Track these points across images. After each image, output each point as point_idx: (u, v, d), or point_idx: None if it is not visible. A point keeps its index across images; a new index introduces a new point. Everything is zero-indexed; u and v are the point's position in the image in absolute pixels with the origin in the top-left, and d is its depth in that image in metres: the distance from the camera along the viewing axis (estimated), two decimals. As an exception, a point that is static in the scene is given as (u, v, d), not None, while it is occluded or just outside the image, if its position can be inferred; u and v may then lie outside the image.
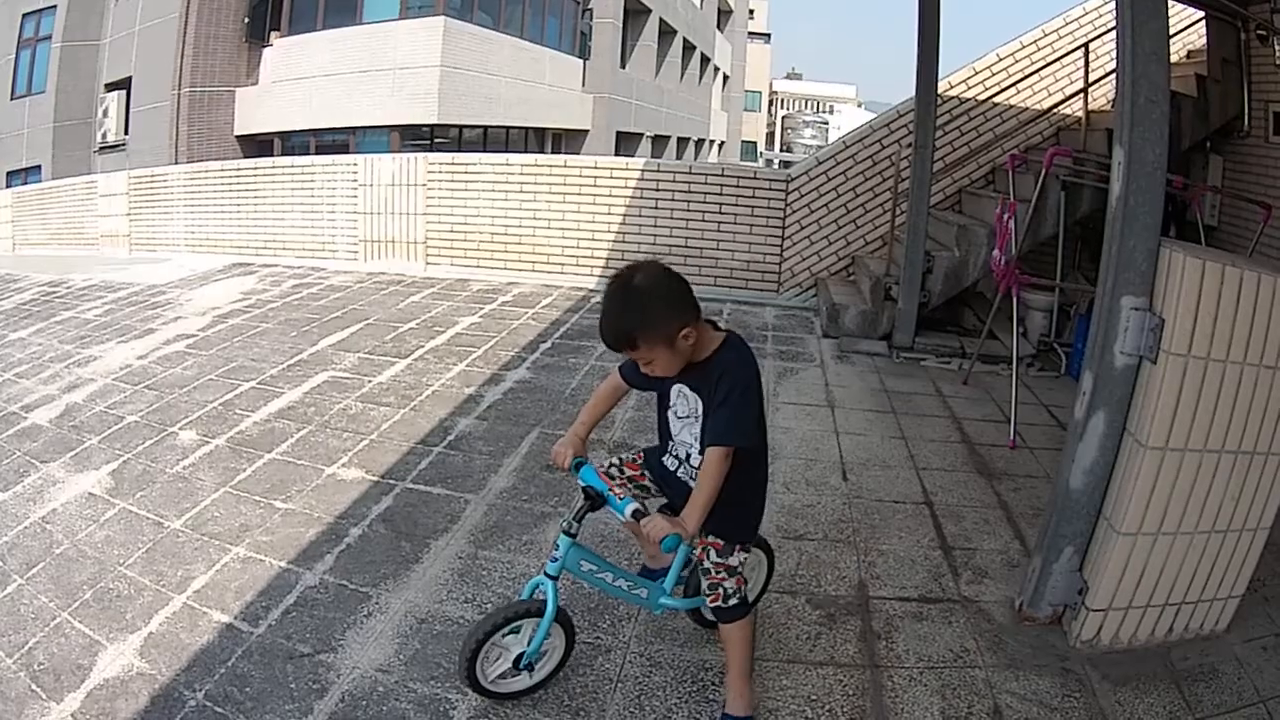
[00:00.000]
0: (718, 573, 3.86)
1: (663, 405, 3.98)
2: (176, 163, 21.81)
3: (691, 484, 3.80)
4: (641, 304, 3.50)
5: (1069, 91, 11.66)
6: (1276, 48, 10.37)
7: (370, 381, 8.47)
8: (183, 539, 5.52)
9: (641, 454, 4.26)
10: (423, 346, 9.70)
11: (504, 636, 3.92)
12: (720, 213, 12.70)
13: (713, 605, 3.90)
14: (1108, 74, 10.88)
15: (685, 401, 3.81)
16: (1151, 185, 4.23)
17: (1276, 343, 4.15)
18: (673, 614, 4.55)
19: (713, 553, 3.87)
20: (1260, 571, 4.73)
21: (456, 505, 6.00)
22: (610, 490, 3.77)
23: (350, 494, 6.15)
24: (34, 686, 4.13)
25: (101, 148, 29.61)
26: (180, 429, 7.25)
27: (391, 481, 6.35)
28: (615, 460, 4.26)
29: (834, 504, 6.21)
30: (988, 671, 4.38)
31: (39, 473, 6.49)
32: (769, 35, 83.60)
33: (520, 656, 3.92)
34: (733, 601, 3.86)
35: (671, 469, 4.06)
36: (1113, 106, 8.61)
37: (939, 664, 4.44)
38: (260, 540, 5.51)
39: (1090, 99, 11.17)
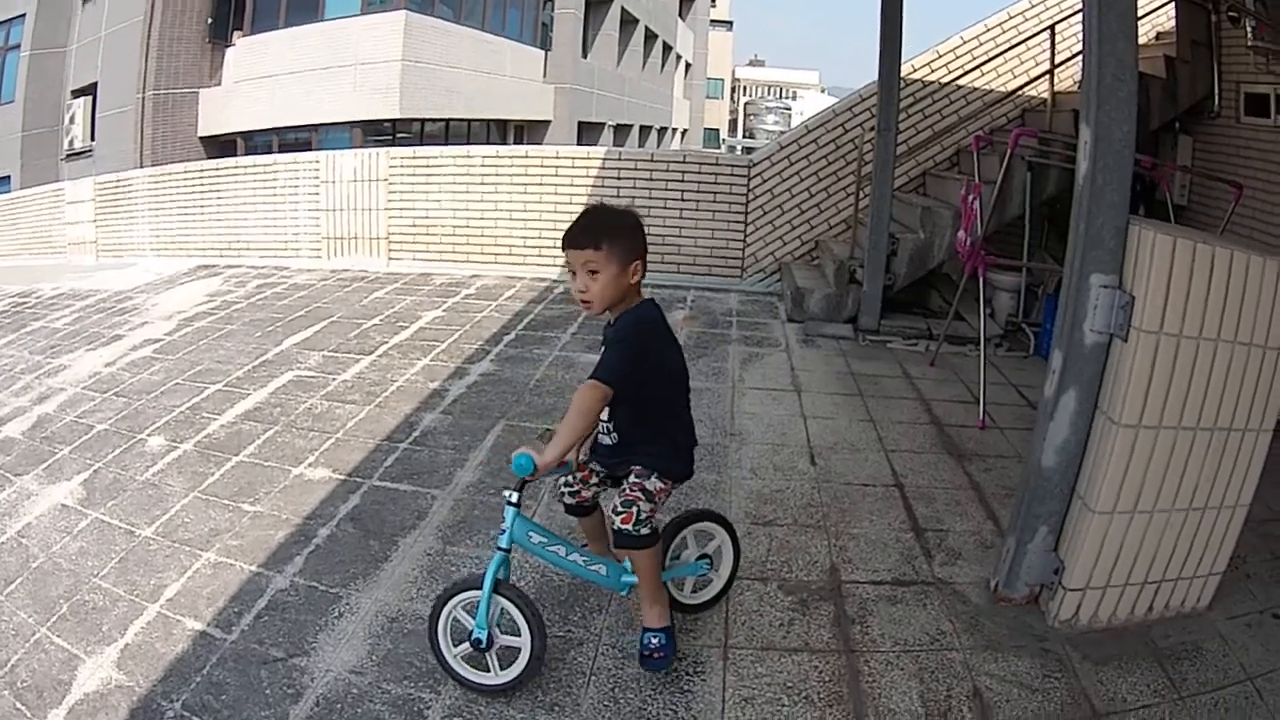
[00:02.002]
0: (633, 490, 4.00)
1: None
2: (142, 166, 21.66)
3: (607, 440, 4.13)
4: (613, 220, 3.89)
5: (1034, 74, 11.69)
6: (1248, 29, 10.36)
7: (335, 379, 8.40)
8: (154, 547, 5.45)
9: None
10: (387, 342, 9.63)
11: (471, 615, 3.95)
12: (682, 200, 12.67)
13: (622, 526, 3.97)
14: (1074, 55, 10.91)
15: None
16: (1119, 163, 4.21)
17: (1249, 319, 4.14)
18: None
19: (632, 474, 4.04)
20: (1240, 548, 4.73)
21: (423, 501, 5.95)
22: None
23: (318, 494, 6.10)
24: (18, 705, 4.07)
25: (69, 155, 29.58)
26: (149, 435, 7.17)
27: (358, 480, 6.30)
28: (568, 479, 4.42)
29: (803, 488, 6.18)
30: (965, 654, 4.35)
31: (13, 486, 6.40)
32: (731, 23, 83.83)
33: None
34: (644, 530, 3.97)
35: (599, 434, 4.20)
36: (1079, 88, 8.65)
37: (915, 647, 4.42)
38: (230, 545, 5.45)
39: (1056, 80, 11.20)
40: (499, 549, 3.90)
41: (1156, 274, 4.02)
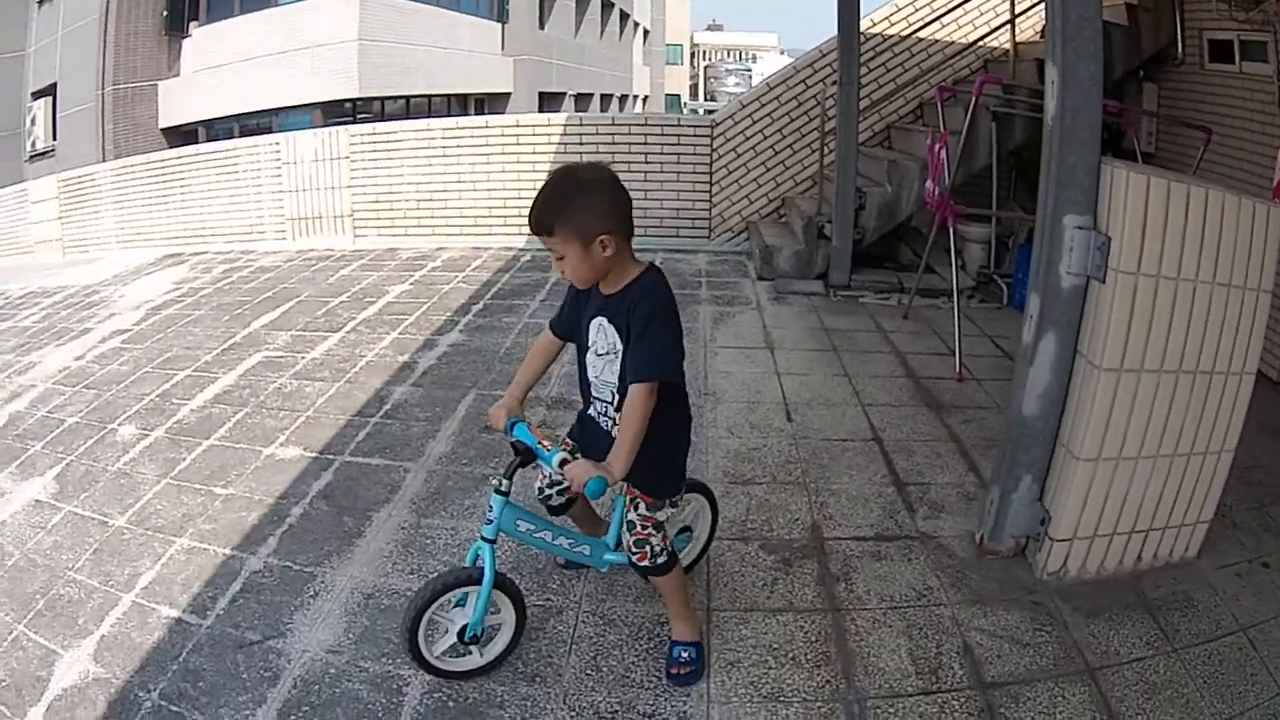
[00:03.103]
0: (644, 528, 3.79)
1: (581, 352, 3.87)
2: (105, 161, 21.55)
3: (614, 433, 3.72)
4: (570, 194, 3.47)
5: (995, 24, 11.66)
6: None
7: (304, 358, 8.32)
8: (128, 536, 5.37)
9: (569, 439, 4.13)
10: (355, 318, 9.55)
11: (448, 610, 3.83)
12: (646, 163, 12.60)
13: (640, 564, 3.84)
14: (1034, 4, 10.87)
15: (604, 336, 3.68)
16: (1088, 101, 4.17)
17: (1227, 260, 4.12)
18: (622, 569, 4.42)
19: (642, 506, 3.79)
20: (1226, 497, 4.72)
21: (396, 475, 5.90)
22: (540, 444, 3.64)
23: (290, 473, 6.03)
24: (-1, 705, 4.01)
25: (31, 156, 29.60)
26: (120, 425, 7.07)
27: (330, 456, 6.22)
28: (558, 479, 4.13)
29: (780, 446, 6.15)
30: (953, 609, 4.32)
31: (-12, 486, 6.31)
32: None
33: (464, 629, 3.82)
34: (661, 560, 3.82)
35: (594, 418, 3.94)
36: (1041, 36, 8.55)
37: (902, 604, 4.38)
38: (203, 529, 5.37)
39: (1017, 30, 11.17)
40: (484, 539, 3.76)
41: (1132, 213, 3.98)
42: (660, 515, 3.80)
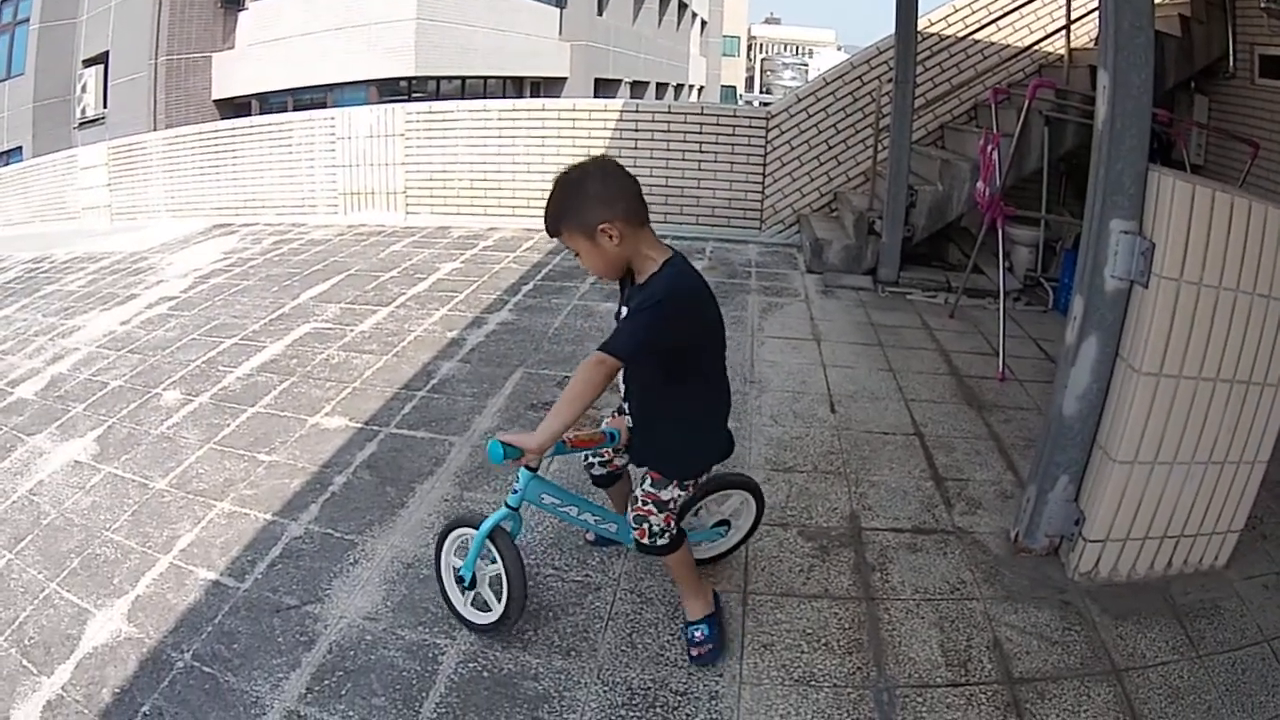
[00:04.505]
0: (645, 504, 3.83)
1: None
2: (155, 130, 21.65)
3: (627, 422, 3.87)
4: (566, 192, 3.53)
5: (1050, 29, 11.55)
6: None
7: (352, 331, 8.38)
8: (168, 499, 5.45)
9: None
10: (404, 294, 9.61)
11: (454, 555, 4.10)
12: (701, 152, 12.60)
13: (638, 540, 3.88)
14: (1090, 11, 10.82)
15: None
16: (1138, 109, 4.17)
17: (1269, 272, 4.10)
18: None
19: (648, 482, 3.84)
20: (1256, 509, 4.71)
21: (440, 448, 5.95)
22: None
23: (334, 442, 6.09)
24: (25, 662, 4.08)
25: (81, 123, 29.80)
26: (164, 390, 7.17)
27: (375, 428, 6.29)
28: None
29: (823, 436, 6.17)
30: (985, 604, 4.35)
31: (25, 446, 6.40)
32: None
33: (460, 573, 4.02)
34: (660, 541, 3.85)
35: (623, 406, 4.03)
36: (1095, 44, 8.53)
37: (935, 596, 4.41)
38: (245, 494, 5.45)
39: (1073, 36, 11.13)
40: (507, 505, 3.85)
41: (1176, 220, 3.98)
42: (664, 494, 3.81)
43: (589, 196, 3.48)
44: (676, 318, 3.49)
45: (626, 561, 4.62)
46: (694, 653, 3.96)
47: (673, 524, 3.86)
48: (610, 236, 3.46)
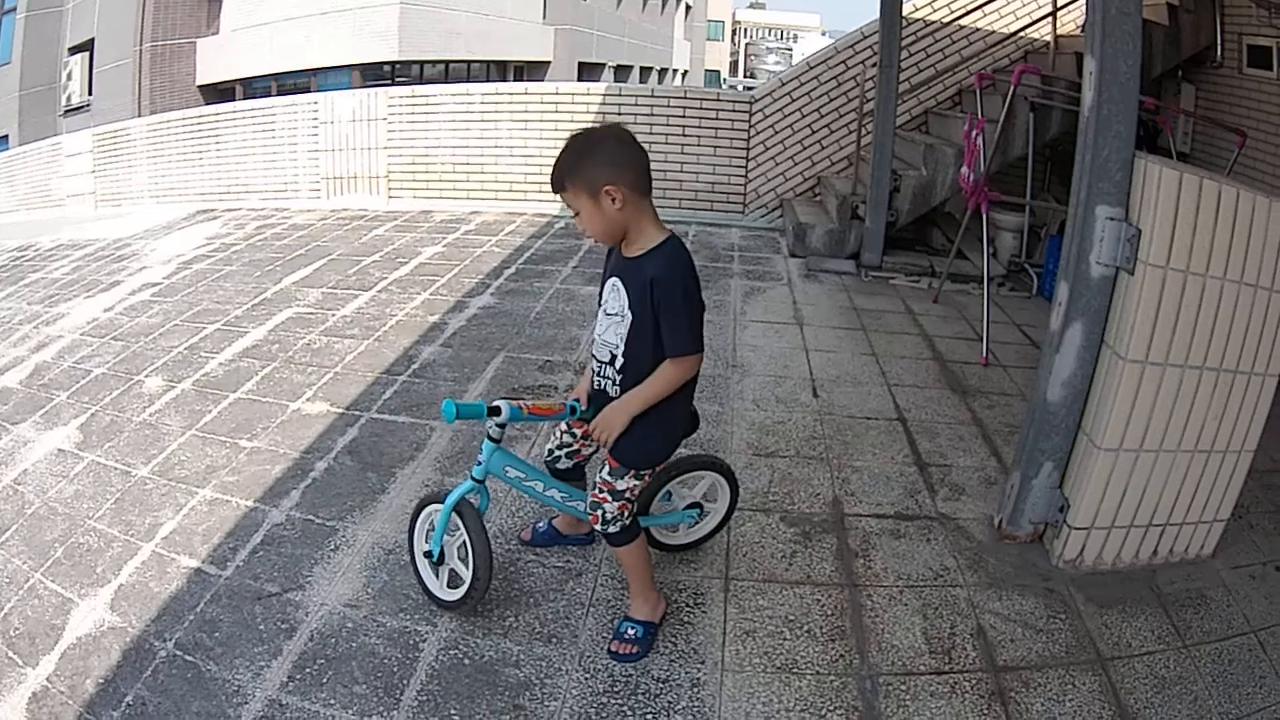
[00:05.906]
0: (601, 491, 3.83)
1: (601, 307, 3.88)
2: (140, 117, 21.62)
3: (611, 391, 3.80)
4: (578, 150, 3.55)
5: (1036, 16, 11.57)
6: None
7: (334, 315, 8.36)
8: (150, 486, 5.43)
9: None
10: (386, 278, 9.59)
11: (424, 536, 4.14)
12: (684, 135, 12.58)
13: (594, 526, 3.90)
14: (1075, -1, 10.85)
15: (616, 297, 3.69)
16: (1125, 95, 4.16)
17: (1256, 261, 4.11)
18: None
19: (606, 469, 3.83)
20: (1243, 499, 4.72)
21: (422, 433, 5.94)
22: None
23: (315, 428, 6.08)
24: (10, 654, 4.05)
25: (66, 111, 29.83)
26: (147, 376, 7.14)
27: (357, 413, 6.27)
28: (566, 438, 4.24)
29: (805, 421, 6.17)
30: (969, 591, 4.35)
31: (9, 435, 6.36)
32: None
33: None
34: (612, 529, 3.84)
35: (593, 374, 3.97)
36: (1082, 30, 8.53)
37: (919, 583, 4.41)
38: (227, 481, 5.43)
39: (1059, 23, 11.14)
40: (471, 478, 3.87)
41: (1163, 207, 3.98)
42: (620, 484, 3.80)
43: (601, 156, 3.52)
44: (698, 289, 3.60)
45: (607, 548, 4.56)
46: (615, 647, 3.93)
47: (627, 514, 3.85)
48: (613, 199, 3.48)
